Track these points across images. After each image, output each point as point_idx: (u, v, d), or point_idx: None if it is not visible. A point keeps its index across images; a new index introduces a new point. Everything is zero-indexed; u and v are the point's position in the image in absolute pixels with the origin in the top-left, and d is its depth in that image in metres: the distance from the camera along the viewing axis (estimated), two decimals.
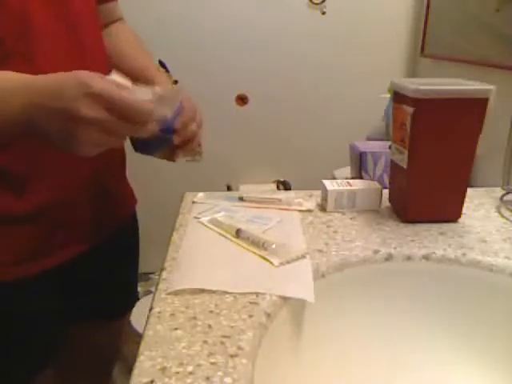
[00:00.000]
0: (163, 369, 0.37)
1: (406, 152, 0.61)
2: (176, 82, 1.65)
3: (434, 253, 0.55)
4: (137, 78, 0.65)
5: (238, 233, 0.58)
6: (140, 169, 1.71)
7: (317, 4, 1.84)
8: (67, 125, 0.46)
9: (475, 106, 0.58)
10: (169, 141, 0.60)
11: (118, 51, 0.77)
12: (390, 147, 0.68)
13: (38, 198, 0.61)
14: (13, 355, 0.65)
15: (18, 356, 0.66)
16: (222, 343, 0.40)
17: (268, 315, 0.44)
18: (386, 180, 0.93)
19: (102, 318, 0.81)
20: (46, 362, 0.70)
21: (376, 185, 0.69)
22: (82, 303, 0.76)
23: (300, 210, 0.68)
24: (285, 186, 1.98)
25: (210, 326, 0.42)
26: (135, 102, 0.47)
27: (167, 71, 1.61)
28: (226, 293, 0.47)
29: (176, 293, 0.47)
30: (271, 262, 0.52)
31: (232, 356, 0.38)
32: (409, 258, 0.56)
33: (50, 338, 0.70)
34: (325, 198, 0.68)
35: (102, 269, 0.76)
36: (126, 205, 0.81)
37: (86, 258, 0.69)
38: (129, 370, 0.37)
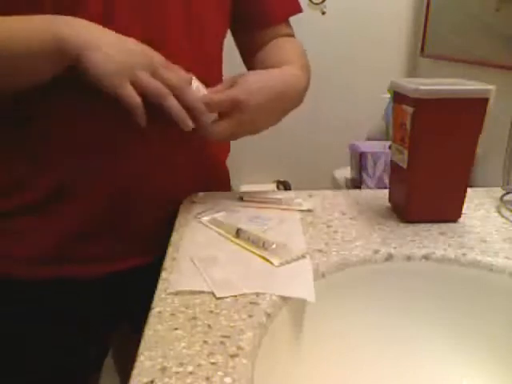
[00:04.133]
0: (163, 369, 0.37)
1: (406, 152, 0.61)
2: None
3: (434, 253, 0.55)
4: None
5: (238, 233, 0.58)
6: None
7: (317, 4, 1.84)
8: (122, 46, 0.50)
9: (475, 106, 0.58)
10: None
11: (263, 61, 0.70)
12: (390, 147, 0.68)
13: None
14: (66, 354, 0.67)
15: (74, 354, 0.67)
16: (222, 343, 0.40)
17: (268, 315, 0.44)
18: (386, 180, 0.93)
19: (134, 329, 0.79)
20: (98, 364, 0.73)
21: None
22: (129, 309, 0.75)
23: (300, 210, 0.68)
24: (285, 186, 1.98)
25: (209, 326, 0.42)
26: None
27: None
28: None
29: (176, 293, 0.47)
30: (271, 262, 0.52)
31: (232, 356, 0.38)
32: (409, 258, 0.56)
33: (102, 339, 0.72)
34: None
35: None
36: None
37: (146, 269, 0.65)
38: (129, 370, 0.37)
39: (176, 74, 0.54)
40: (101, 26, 0.52)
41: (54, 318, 0.66)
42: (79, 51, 0.49)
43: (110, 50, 0.49)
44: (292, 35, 0.75)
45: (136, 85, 0.50)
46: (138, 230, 0.67)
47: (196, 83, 0.57)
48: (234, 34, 0.76)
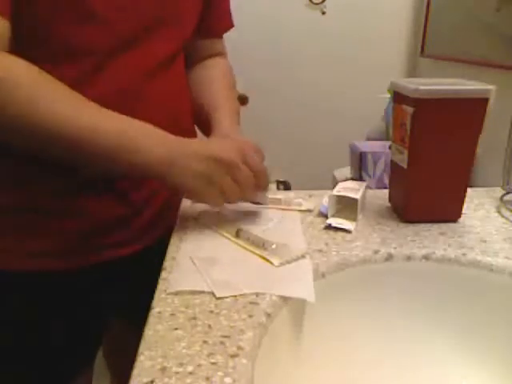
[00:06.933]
0: (163, 369, 0.37)
1: (406, 152, 0.61)
2: None
3: (434, 253, 0.55)
4: (201, 115, 0.74)
5: (238, 233, 0.58)
6: None
7: (317, 4, 1.84)
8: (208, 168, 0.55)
9: (475, 106, 0.58)
10: None
11: (201, 84, 0.79)
12: (390, 147, 0.68)
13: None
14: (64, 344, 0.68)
15: (70, 343, 0.69)
16: (222, 343, 0.40)
17: (268, 315, 0.44)
18: (386, 180, 0.94)
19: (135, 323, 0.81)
20: (92, 351, 0.75)
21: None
22: (123, 300, 0.77)
23: (300, 210, 0.68)
24: (285, 185, 1.98)
25: (209, 326, 0.42)
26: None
27: None
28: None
29: (176, 293, 0.47)
30: (271, 262, 0.52)
31: (232, 356, 0.38)
32: (409, 257, 0.56)
33: (92, 327, 0.73)
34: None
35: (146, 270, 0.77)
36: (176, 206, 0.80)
37: (137, 257, 0.70)
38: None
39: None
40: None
41: (46, 314, 0.67)
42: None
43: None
44: (223, 52, 0.87)
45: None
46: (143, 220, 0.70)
47: None
48: None
